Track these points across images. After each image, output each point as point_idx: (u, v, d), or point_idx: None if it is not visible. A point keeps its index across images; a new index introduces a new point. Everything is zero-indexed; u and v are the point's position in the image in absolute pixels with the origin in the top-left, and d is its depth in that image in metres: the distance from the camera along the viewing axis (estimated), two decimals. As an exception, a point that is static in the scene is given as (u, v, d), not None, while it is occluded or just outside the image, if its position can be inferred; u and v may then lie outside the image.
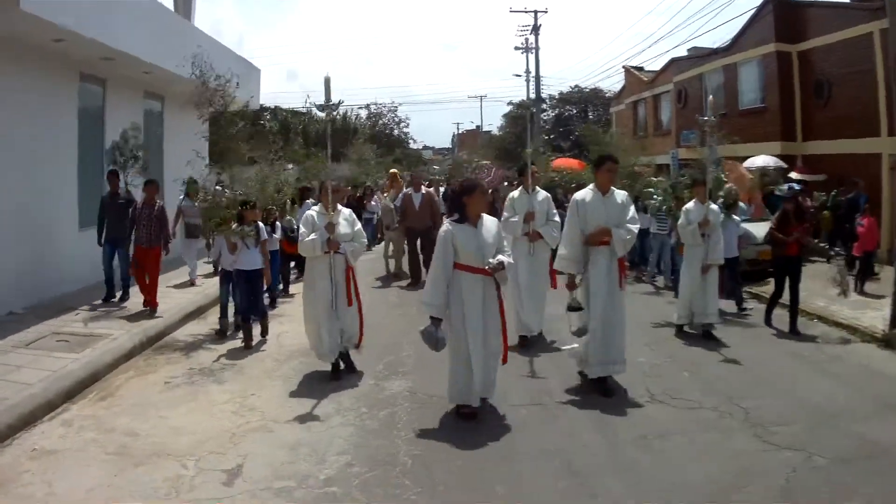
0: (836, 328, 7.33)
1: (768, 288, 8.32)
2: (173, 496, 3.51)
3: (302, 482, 3.67)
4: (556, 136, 32.82)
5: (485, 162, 15.49)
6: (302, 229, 5.45)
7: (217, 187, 6.91)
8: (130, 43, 8.49)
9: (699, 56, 19.86)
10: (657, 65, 25.13)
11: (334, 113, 5.39)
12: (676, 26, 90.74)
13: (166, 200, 9.37)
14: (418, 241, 9.85)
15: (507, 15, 32.81)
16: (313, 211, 5.56)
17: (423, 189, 10.40)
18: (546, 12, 30.28)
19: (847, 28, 13.38)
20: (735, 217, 8.47)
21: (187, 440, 4.19)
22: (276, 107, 30.74)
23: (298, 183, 9.65)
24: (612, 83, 35.75)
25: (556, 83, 71.71)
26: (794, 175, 13.89)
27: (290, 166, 9.36)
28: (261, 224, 6.79)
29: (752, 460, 3.92)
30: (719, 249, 7.00)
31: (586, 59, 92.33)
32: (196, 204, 7.53)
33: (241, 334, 6.65)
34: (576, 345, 5.41)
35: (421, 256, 9.65)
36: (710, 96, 8.73)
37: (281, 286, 9.01)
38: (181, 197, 8.86)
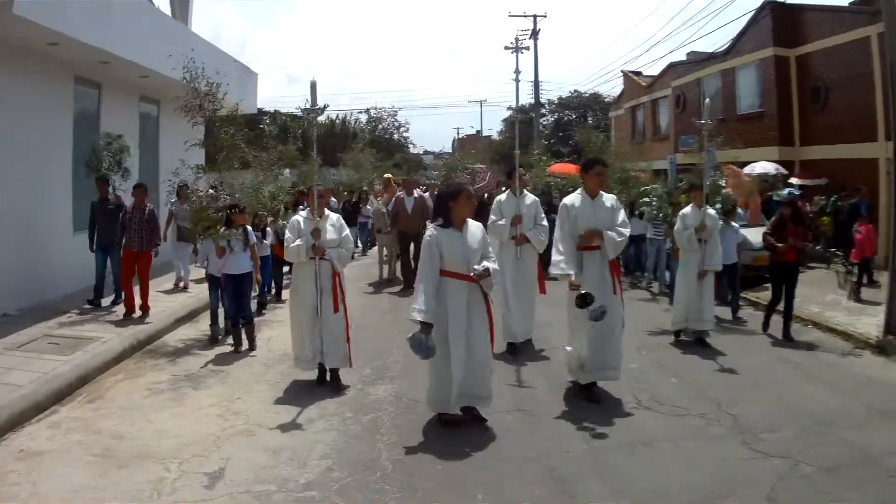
0: (830, 334, 7.28)
1: (763, 294, 8.30)
2: (155, 498, 3.53)
3: (282, 486, 3.68)
4: (556, 141, 32.85)
5: (479, 165, 15.36)
6: (288, 234, 5.41)
7: (210, 191, 6.91)
8: (125, 47, 8.52)
9: (697, 61, 19.86)
10: (657, 68, 25.02)
11: (319, 118, 5.36)
12: (674, 29, 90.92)
13: (161, 202, 9.39)
14: (411, 246, 9.85)
15: (507, 19, 32.81)
16: (300, 216, 5.52)
17: (416, 193, 10.41)
18: (545, 16, 30.32)
19: (845, 32, 13.39)
20: (734, 224, 8.42)
21: (171, 443, 4.22)
22: (275, 111, 30.88)
23: (294, 188, 9.63)
24: (611, 87, 35.84)
25: (555, 88, 71.83)
26: (794, 181, 13.86)
27: (287, 172, 9.35)
28: (249, 228, 6.77)
29: (737, 468, 3.88)
30: (717, 255, 6.86)
31: (585, 64, 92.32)
32: (186, 207, 7.53)
33: (231, 339, 6.64)
34: (570, 347, 5.25)
35: (413, 262, 9.65)
36: (707, 99, 8.70)
37: (273, 291, 8.99)
38: (172, 200, 8.86)
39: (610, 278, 5.02)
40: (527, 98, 36.08)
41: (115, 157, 8.28)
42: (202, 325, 7.48)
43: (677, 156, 16.63)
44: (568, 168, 14.35)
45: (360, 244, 14.52)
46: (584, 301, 4.73)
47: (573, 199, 5.23)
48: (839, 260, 9.24)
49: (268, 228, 7.87)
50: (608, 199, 5.21)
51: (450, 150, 59.61)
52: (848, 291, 7.78)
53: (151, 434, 4.39)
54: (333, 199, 17.19)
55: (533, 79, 29.90)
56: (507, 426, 4.51)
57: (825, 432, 4.39)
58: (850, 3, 15.14)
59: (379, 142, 34.20)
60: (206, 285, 7.40)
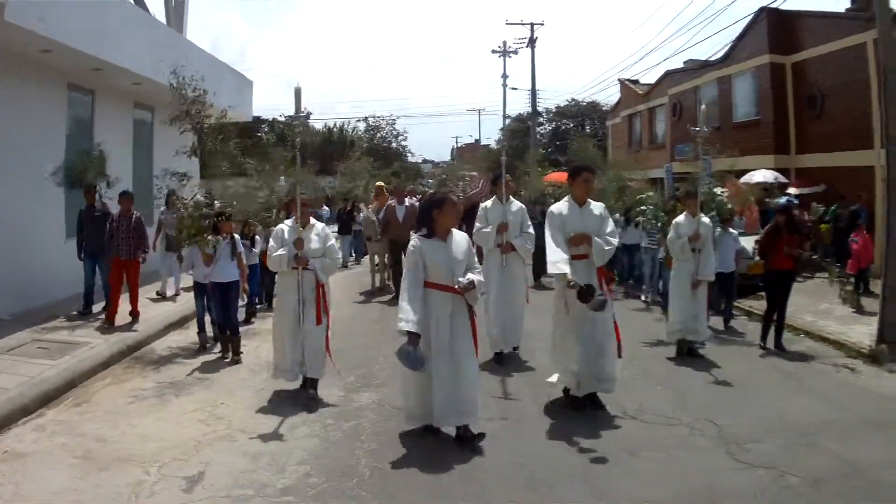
0: (822, 344, 7.23)
1: (757, 304, 8.24)
2: (133, 501, 3.56)
3: (259, 491, 3.69)
4: (553, 150, 32.89)
5: (473, 173, 15.32)
6: (271, 243, 5.33)
7: (199, 198, 6.90)
8: (118, 54, 8.57)
9: (694, 68, 19.87)
10: (654, 75, 25.06)
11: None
12: (670, 35, 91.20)
13: (156, 210, 9.39)
14: (402, 255, 9.79)
15: (504, 27, 32.77)
16: (285, 225, 5.41)
17: (407, 202, 10.39)
18: (543, 24, 30.28)
19: (841, 38, 13.34)
20: (732, 231, 8.31)
21: (153, 447, 4.24)
22: (273, 119, 30.99)
23: (289, 195, 9.59)
24: (608, 96, 35.90)
25: (552, 96, 71.84)
26: (792, 190, 13.79)
27: (282, 179, 9.33)
28: (237, 236, 6.73)
29: (721, 478, 3.84)
30: (710, 265, 6.74)
31: (582, 72, 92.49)
32: (175, 215, 7.51)
33: (219, 346, 6.64)
34: (554, 377, 5.12)
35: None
36: (703, 105, 8.66)
37: (265, 301, 8.95)
38: (161, 209, 8.84)
39: (598, 288, 4.94)
40: (524, 107, 36.13)
41: (96, 168, 8.17)
42: (192, 333, 7.47)
43: (674, 164, 16.61)
44: (563, 177, 14.36)
45: (353, 252, 14.49)
46: (589, 293, 4.55)
47: (560, 206, 5.15)
48: (835, 272, 9.11)
49: (257, 237, 7.81)
50: (596, 207, 5.13)
51: (449, 160, 59.73)
52: (851, 302, 7.68)
53: (134, 438, 4.42)
54: (326, 207, 17.28)
55: (530, 87, 29.95)
56: (492, 434, 4.45)
57: (812, 443, 4.34)
58: (847, 10, 15.11)
59: (377, 150, 34.26)
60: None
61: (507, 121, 31.02)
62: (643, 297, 10.03)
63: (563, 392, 5.10)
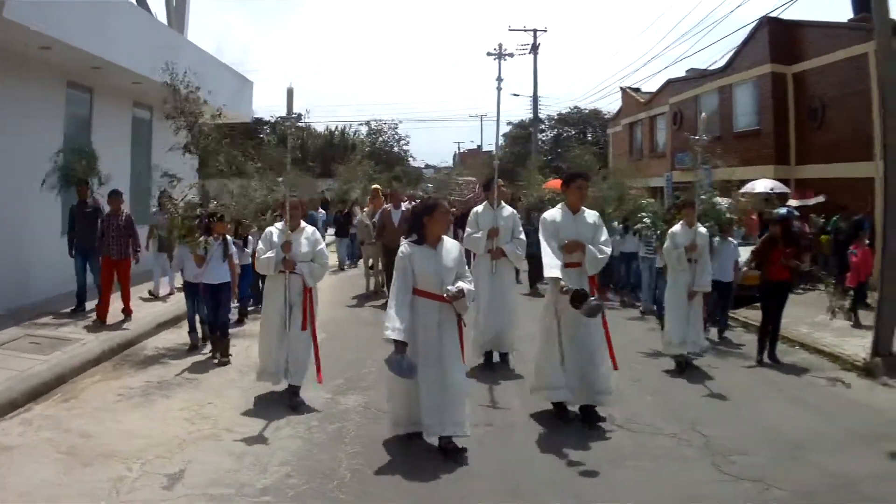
0: (817, 356, 7.18)
1: (751, 313, 8.18)
2: (113, 496, 3.57)
3: (239, 490, 3.69)
4: (555, 157, 32.85)
5: (470, 178, 15.27)
6: (260, 245, 5.29)
7: (191, 198, 6.88)
8: (118, 53, 8.60)
9: (695, 77, 19.84)
10: (655, 83, 24.91)
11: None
12: (672, 42, 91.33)
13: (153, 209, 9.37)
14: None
15: (508, 34, 32.57)
16: (275, 228, 5.36)
17: (403, 206, 10.37)
18: (546, 31, 30.34)
19: (842, 49, 13.29)
20: (731, 240, 8.22)
21: (137, 444, 4.25)
22: (276, 121, 31.03)
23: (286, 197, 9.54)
24: (609, 103, 35.58)
25: (554, 103, 71.92)
26: (792, 202, 13.71)
27: (281, 179, 9.30)
28: (229, 238, 6.70)
29: (705, 490, 3.80)
30: (707, 276, 6.64)
31: (584, 79, 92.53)
32: (166, 216, 7.49)
33: (210, 345, 6.62)
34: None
35: None
36: (703, 114, 8.60)
37: (258, 303, 8.92)
38: (153, 211, 8.83)
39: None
40: (526, 113, 36.08)
41: (87, 165, 8.11)
42: (184, 332, 7.43)
43: (674, 173, 16.60)
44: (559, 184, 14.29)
45: (350, 256, 14.48)
46: (582, 298, 4.49)
47: (554, 213, 5.09)
48: (830, 284, 9.01)
49: (250, 237, 7.76)
50: (590, 214, 5.07)
51: (451, 165, 59.76)
52: (843, 314, 7.57)
53: (119, 434, 4.44)
54: (323, 210, 17.25)
55: (532, 94, 29.95)
56: (474, 440, 4.40)
57: (799, 456, 4.30)
58: (849, 20, 15.06)
59: (379, 154, 34.26)
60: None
61: (509, 127, 30.95)
62: (641, 309, 9.97)
63: (551, 403, 5.04)
